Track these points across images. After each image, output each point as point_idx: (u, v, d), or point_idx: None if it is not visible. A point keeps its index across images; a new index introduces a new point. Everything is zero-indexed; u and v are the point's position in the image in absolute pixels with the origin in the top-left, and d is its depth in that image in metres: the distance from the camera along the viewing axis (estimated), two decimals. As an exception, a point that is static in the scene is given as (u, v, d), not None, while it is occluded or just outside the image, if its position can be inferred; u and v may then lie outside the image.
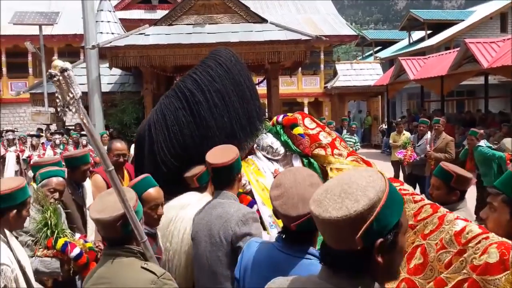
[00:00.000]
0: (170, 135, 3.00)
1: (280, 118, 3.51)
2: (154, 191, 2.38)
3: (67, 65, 1.55)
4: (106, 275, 1.77)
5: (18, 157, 10.31)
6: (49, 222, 3.00)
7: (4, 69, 20.61)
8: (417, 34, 27.89)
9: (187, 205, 2.61)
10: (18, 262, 2.18)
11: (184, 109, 3.04)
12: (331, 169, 3.20)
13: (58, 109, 1.63)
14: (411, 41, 27.72)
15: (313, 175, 1.73)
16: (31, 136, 11.17)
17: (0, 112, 20.55)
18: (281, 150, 3.35)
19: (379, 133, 20.20)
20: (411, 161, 7.95)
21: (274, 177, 3.17)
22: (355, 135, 10.72)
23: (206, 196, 2.70)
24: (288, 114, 3.62)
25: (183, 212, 2.57)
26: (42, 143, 10.98)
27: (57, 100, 1.58)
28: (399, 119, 13.80)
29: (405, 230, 1.11)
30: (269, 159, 3.32)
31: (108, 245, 1.87)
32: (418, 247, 2.39)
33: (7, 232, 2.23)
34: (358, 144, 10.48)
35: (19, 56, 20.30)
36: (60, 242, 3.01)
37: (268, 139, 3.36)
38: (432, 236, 2.31)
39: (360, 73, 21.60)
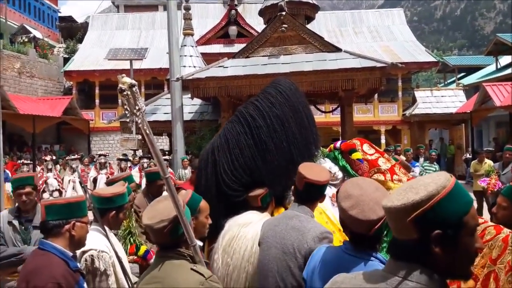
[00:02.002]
0: (232, 157, 3.13)
1: (338, 144, 3.57)
2: (206, 202, 2.55)
3: (134, 82, 1.77)
4: (158, 275, 1.89)
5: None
6: (132, 231, 3.35)
7: (97, 101, 22.56)
8: (505, 59, 26.29)
9: (249, 224, 2.71)
10: (116, 253, 2.54)
11: (246, 133, 3.18)
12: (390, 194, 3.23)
13: (128, 120, 1.83)
14: (499, 66, 26.18)
15: (373, 181, 1.84)
16: (120, 160, 12.16)
17: (92, 139, 22.49)
18: (339, 175, 3.40)
19: (463, 162, 19.13)
20: (495, 189, 7.54)
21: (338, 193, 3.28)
22: (435, 163, 10.33)
23: (266, 216, 2.80)
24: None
25: (244, 230, 2.67)
26: (129, 167, 11.87)
27: (125, 112, 1.78)
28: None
29: (471, 232, 1.17)
30: None
31: (160, 248, 2.02)
32: (491, 273, 2.41)
33: (106, 228, 2.61)
34: (439, 173, 10.08)
35: (110, 89, 22.12)
36: (143, 249, 3.34)
37: (326, 164, 3.41)
38: (501, 260, 2.33)
39: (441, 100, 20.75)
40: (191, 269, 1.88)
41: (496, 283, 2.38)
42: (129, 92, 1.73)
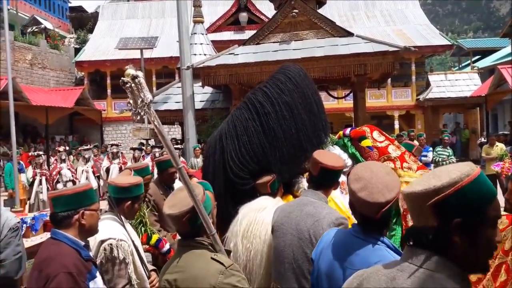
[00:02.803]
0: (240, 144, 3.10)
1: (348, 131, 3.53)
2: (211, 195, 2.51)
3: (139, 73, 1.70)
4: (180, 265, 1.92)
5: (121, 169, 11.32)
6: (144, 220, 3.34)
7: (109, 91, 22.64)
8: (521, 41, 25.66)
9: (264, 208, 2.69)
10: (133, 242, 2.55)
11: (254, 120, 3.14)
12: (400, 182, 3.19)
13: (130, 113, 1.79)
14: (514, 48, 25.58)
15: (384, 165, 1.84)
16: (134, 149, 12.21)
17: (105, 129, 22.65)
18: (349, 162, 3.36)
19: (478, 147, 18.87)
20: (509, 173, 7.43)
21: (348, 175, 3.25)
22: (448, 147, 10.17)
23: (280, 201, 2.79)
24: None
25: (261, 215, 2.66)
26: (143, 156, 11.92)
27: (128, 105, 1.73)
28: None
29: (493, 224, 1.15)
30: None
31: (182, 238, 2.03)
32: (502, 264, 2.37)
33: (122, 217, 2.61)
34: (453, 157, 9.92)
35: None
36: (155, 238, 3.34)
37: (335, 151, 3.38)
38: None
39: (456, 84, 20.43)
40: (212, 258, 1.89)
41: (508, 274, 2.34)
42: (132, 84, 1.68)
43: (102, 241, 2.39)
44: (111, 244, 2.40)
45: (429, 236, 1.13)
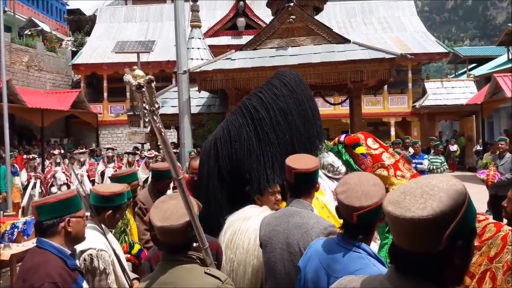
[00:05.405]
0: (232, 150, 3.05)
1: (342, 137, 3.53)
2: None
3: (152, 76, 1.58)
4: (169, 280, 1.78)
5: (116, 173, 11.28)
6: (127, 230, 3.29)
7: (105, 94, 22.57)
8: (517, 49, 25.80)
9: (250, 217, 2.64)
10: (114, 251, 2.49)
11: (248, 125, 3.10)
12: (393, 190, 3.19)
13: (145, 119, 1.66)
14: (510, 57, 25.71)
15: (376, 178, 1.86)
16: (128, 153, 12.15)
17: (101, 132, 22.56)
18: (342, 169, 3.36)
19: (474, 154, 18.91)
20: (495, 181, 7.54)
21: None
22: (440, 155, 10.19)
23: (266, 210, 2.72)
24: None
25: (246, 224, 2.60)
26: (137, 160, 11.86)
27: (144, 111, 1.59)
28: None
29: (476, 236, 1.12)
30: (329, 177, 3.33)
31: (167, 251, 1.89)
32: (487, 271, 2.39)
33: (103, 226, 2.55)
34: (445, 164, 9.94)
35: (118, 82, 22.10)
36: (136, 247, 3.30)
37: (329, 157, 3.39)
38: (498, 259, 2.33)
39: (452, 91, 20.53)
40: (205, 272, 1.80)
41: (493, 282, 2.35)
42: (144, 89, 1.55)
43: (82, 251, 2.33)
44: (91, 255, 2.34)
45: (428, 262, 1.03)
